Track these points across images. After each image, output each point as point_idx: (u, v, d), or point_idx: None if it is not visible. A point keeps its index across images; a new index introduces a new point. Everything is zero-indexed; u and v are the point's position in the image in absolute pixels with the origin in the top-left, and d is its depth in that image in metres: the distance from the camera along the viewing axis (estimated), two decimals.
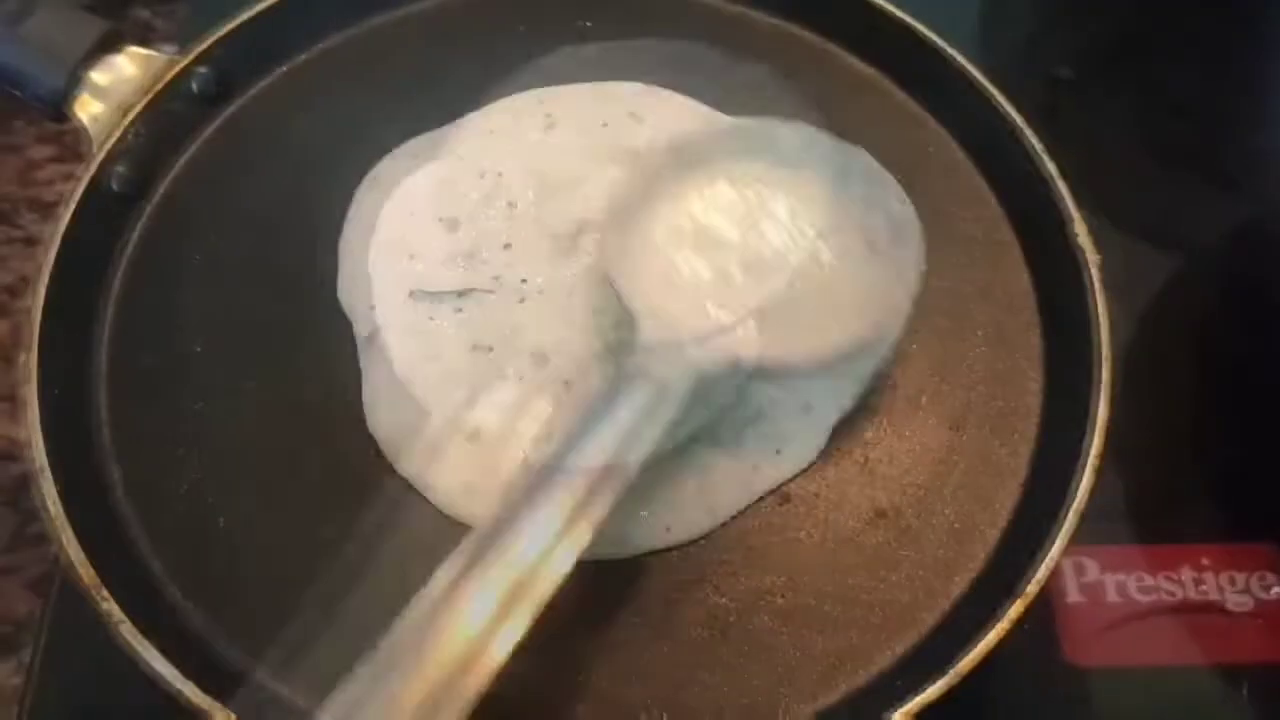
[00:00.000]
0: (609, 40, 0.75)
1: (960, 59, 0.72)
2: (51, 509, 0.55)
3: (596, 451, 0.50)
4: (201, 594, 0.57)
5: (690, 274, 0.58)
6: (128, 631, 0.52)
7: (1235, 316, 0.82)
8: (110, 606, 0.52)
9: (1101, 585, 0.69)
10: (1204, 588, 0.69)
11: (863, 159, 0.62)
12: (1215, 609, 0.68)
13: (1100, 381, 0.60)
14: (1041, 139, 0.69)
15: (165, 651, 0.52)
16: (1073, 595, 0.68)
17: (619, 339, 0.61)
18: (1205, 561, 0.70)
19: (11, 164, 0.97)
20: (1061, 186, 0.67)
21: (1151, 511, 0.72)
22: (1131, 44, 0.96)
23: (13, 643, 0.77)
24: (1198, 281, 0.84)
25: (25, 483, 0.82)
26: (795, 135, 0.62)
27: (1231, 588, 0.69)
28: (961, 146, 0.73)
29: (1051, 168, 0.67)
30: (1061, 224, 0.66)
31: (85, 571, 0.53)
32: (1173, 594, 0.69)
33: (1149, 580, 0.69)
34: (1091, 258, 0.64)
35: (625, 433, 0.51)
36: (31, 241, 0.94)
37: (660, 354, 0.54)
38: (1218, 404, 0.77)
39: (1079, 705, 0.66)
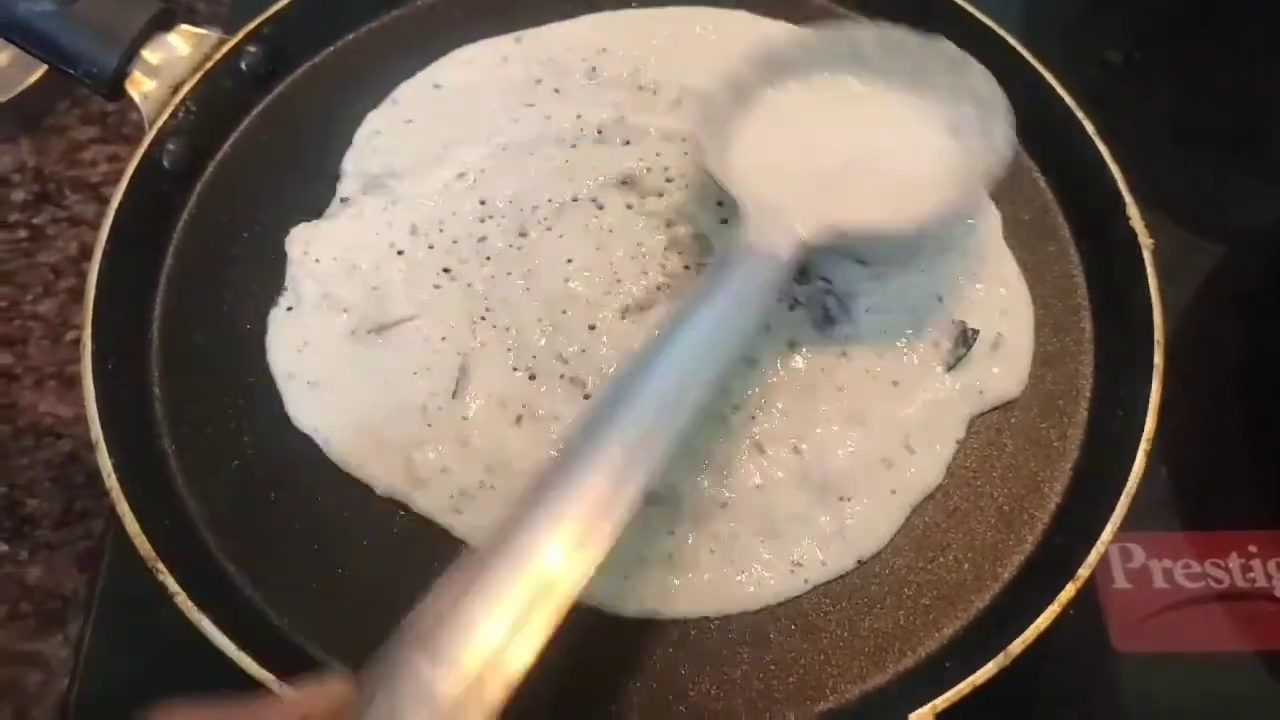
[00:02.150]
0: None
1: (1011, 40, 0.72)
2: (108, 481, 0.55)
3: (709, 321, 0.52)
4: (254, 567, 0.57)
5: (784, 164, 0.62)
6: (183, 603, 0.52)
7: None
8: (167, 579, 0.53)
9: (1148, 572, 0.68)
10: (1251, 575, 0.68)
11: (945, 47, 0.65)
12: (1262, 596, 0.68)
13: (1154, 365, 0.60)
14: (1091, 122, 0.68)
15: (220, 623, 0.52)
16: (1119, 582, 0.68)
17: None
18: (1253, 549, 0.69)
19: (56, 145, 0.98)
20: (1114, 170, 0.66)
21: (1198, 498, 0.71)
22: (1179, 29, 0.95)
23: (60, 617, 0.78)
24: (1244, 266, 0.83)
25: (73, 460, 0.83)
26: (874, 37, 0.66)
27: None
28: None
29: (1104, 151, 0.67)
30: (1114, 208, 0.65)
31: (142, 544, 0.54)
32: (1220, 581, 0.68)
33: (1196, 567, 0.68)
34: (1145, 242, 0.64)
35: (738, 300, 0.53)
36: (76, 221, 0.94)
37: (766, 224, 0.57)
38: (1264, 390, 0.76)
39: (1125, 691, 0.66)
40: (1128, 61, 0.91)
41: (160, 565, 0.53)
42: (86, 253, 0.92)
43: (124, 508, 0.55)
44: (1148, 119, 0.89)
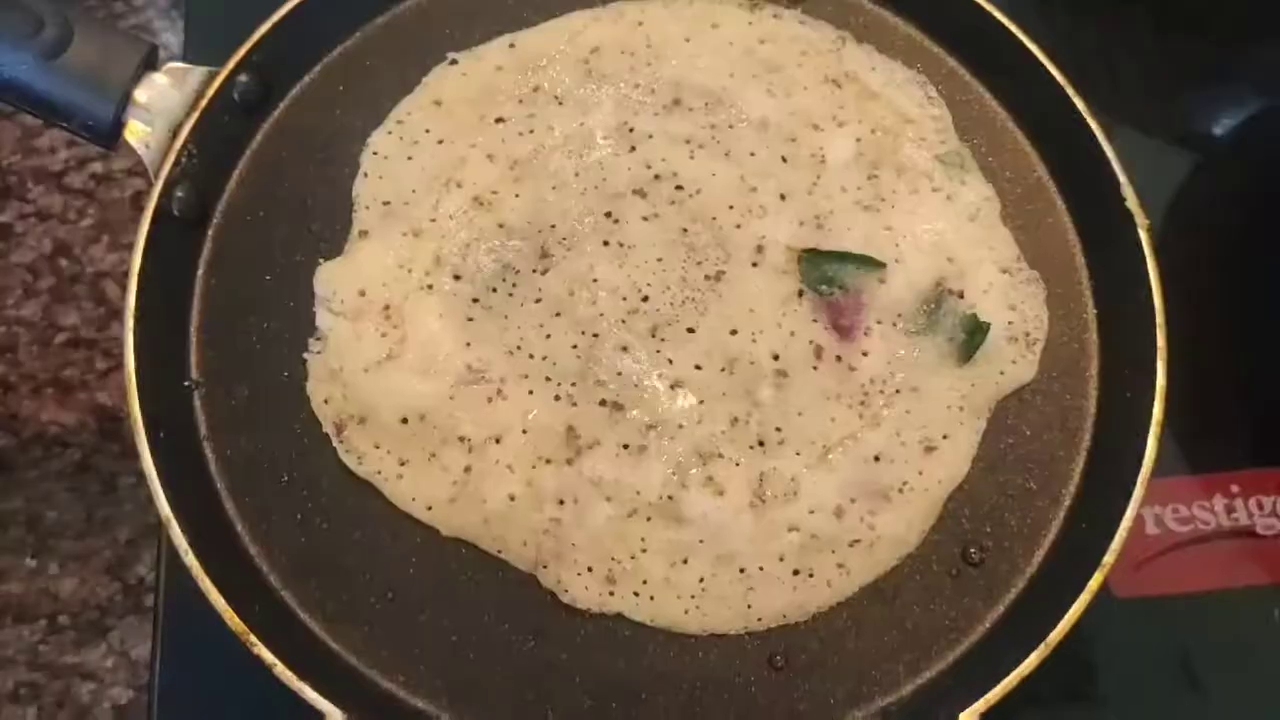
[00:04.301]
0: None
1: (996, 13, 0.72)
2: (186, 558, 0.57)
3: None
4: (335, 621, 0.60)
5: None
6: (283, 674, 0.55)
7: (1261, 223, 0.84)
8: (262, 651, 0.55)
9: (1141, 519, 0.73)
10: (1235, 514, 0.73)
11: None
12: (1245, 534, 0.73)
13: (1157, 348, 0.63)
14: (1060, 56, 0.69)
15: (320, 688, 0.55)
16: None
17: None
18: (1235, 489, 0.74)
19: (8, 132, 0.93)
20: (1107, 148, 0.68)
21: (1184, 442, 0.75)
22: None
23: (100, 626, 0.80)
24: (1227, 176, 0.85)
25: (85, 468, 0.83)
26: None
27: (1260, 512, 0.74)
28: (1001, 103, 0.73)
29: (1097, 130, 0.68)
30: (1108, 187, 0.67)
31: (232, 620, 0.56)
32: (1207, 523, 0.73)
33: (1184, 510, 0.74)
34: (1141, 222, 0.66)
35: None
36: (44, 215, 0.91)
37: None
38: (1239, 319, 0.80)
39: (1121, 637, 0.70)
40: None
41: (253, 638, 0.55)
42: (61, 248, 0.91)
43: (207, 584, 0.56)
44: (1118, 46, 0.89)
